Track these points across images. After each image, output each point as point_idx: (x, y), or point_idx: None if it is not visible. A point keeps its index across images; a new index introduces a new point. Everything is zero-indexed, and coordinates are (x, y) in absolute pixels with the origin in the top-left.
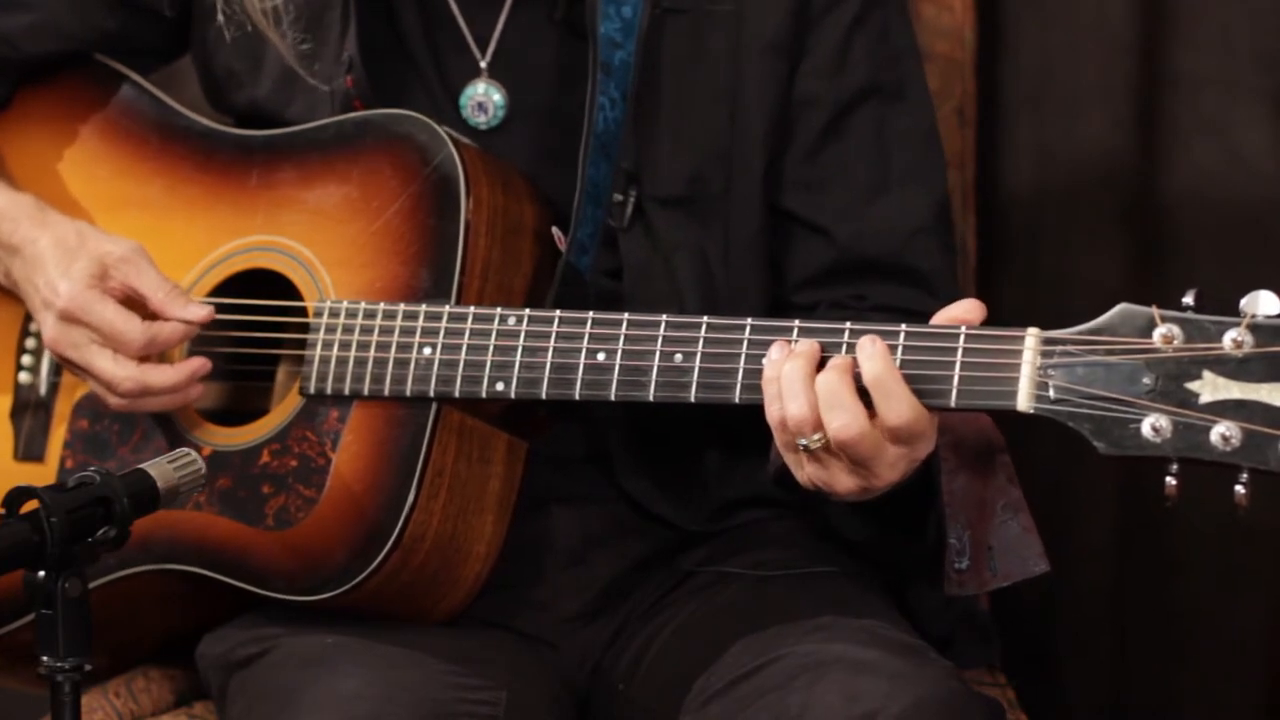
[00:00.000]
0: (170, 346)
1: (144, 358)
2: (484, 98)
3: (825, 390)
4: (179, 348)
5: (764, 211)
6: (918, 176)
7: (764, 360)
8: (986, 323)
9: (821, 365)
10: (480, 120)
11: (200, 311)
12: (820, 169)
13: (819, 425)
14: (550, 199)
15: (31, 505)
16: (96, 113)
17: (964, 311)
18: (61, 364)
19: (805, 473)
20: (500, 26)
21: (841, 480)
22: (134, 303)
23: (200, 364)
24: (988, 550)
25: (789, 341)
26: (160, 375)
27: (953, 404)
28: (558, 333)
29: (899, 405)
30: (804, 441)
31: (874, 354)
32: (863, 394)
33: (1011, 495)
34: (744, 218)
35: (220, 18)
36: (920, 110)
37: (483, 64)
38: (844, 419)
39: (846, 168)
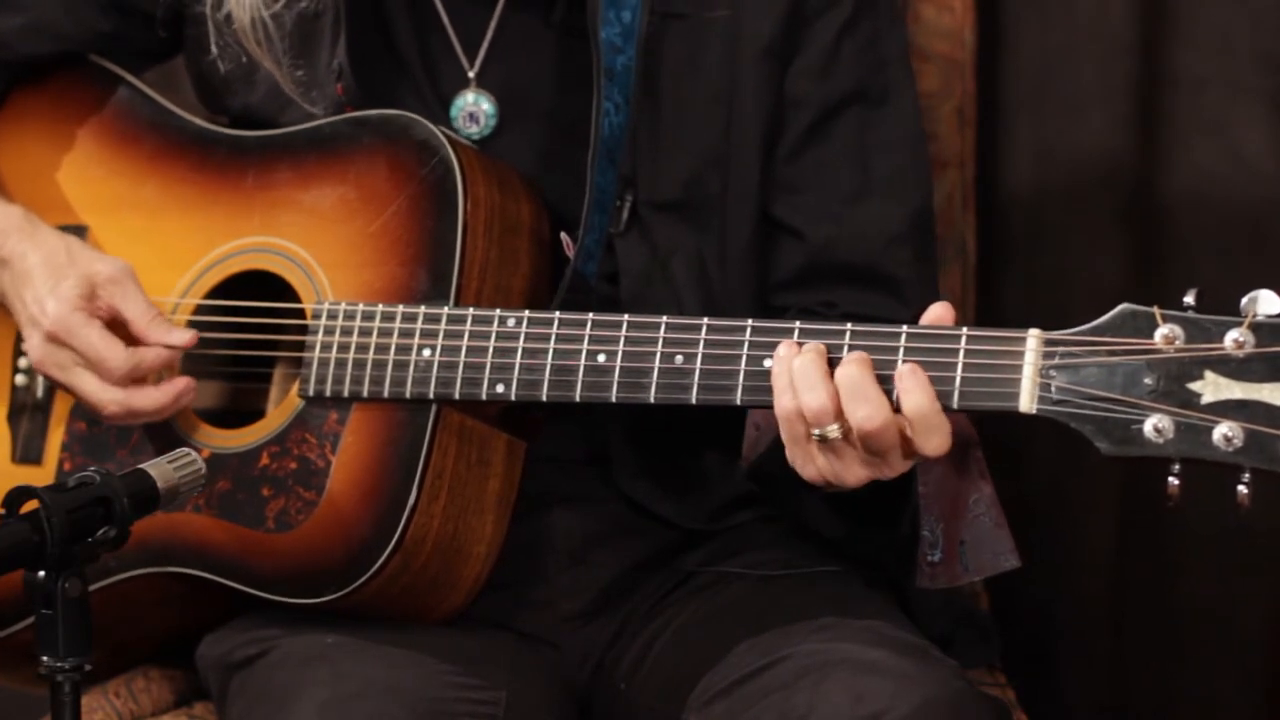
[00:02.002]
0: (153, 371)
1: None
2: (474, 108)
3: (847, 382)
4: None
5: (759, 216)
6: (897, 185)
7: (771, 358)
8: (986, 322)
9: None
10: (472, 130)
11: (183, 337)
12: (800, 171)
13: (838, 414)
14: (549, 203)
15: (31, 505)
16: (91, 113)
17: (935, 318)
18: (49, 381)
19: (816, 465)
20: (490, 35)
21: (854, 471)
22: (118, 324)
23: (185, 385)
24: (960, 544)
25: (799, 343)
26: (145, 398)
27: (955, 405)
28: (557, 334)
29: (938, 439)
30: (820, 431)
31: (914, 385)
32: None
33: (984, 490)
34: (739, 221)
35: (214, 50)
36: (905, 119)
37: (471, 74)
38: (867, 410)
39: (826, 172)
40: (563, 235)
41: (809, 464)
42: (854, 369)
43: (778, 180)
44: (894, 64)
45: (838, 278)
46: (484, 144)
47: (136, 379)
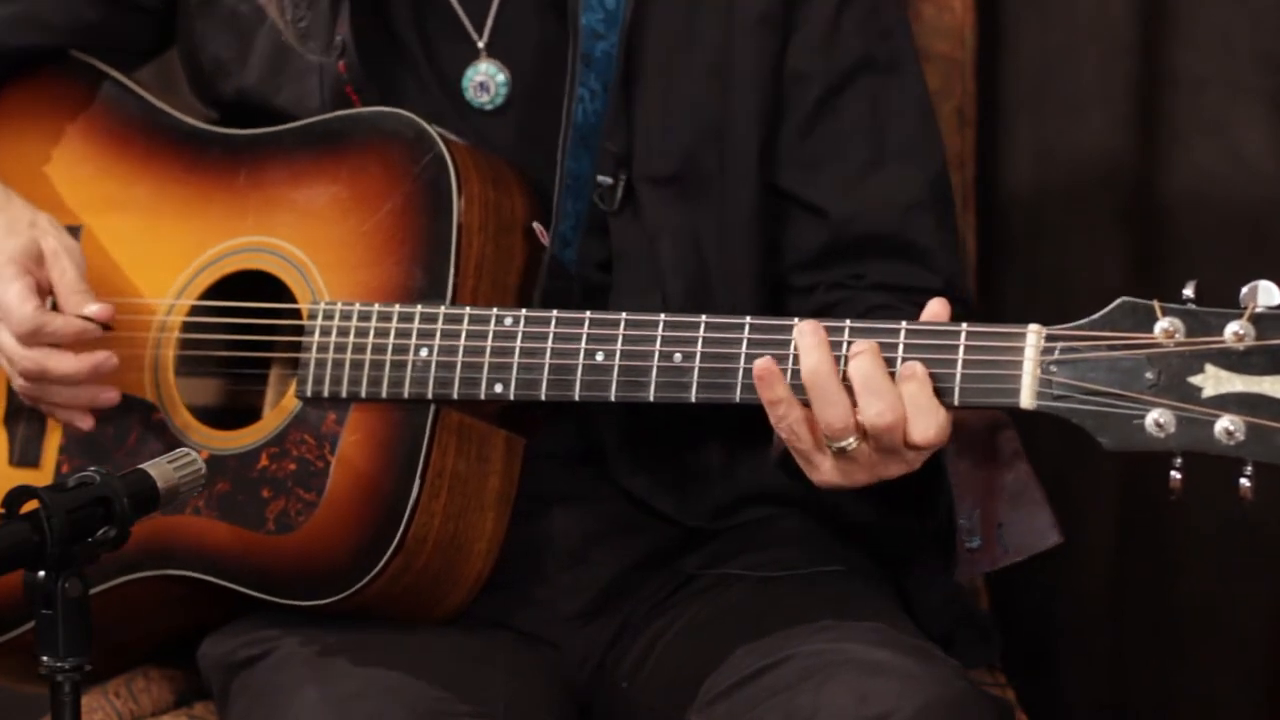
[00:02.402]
0: (63, 339)
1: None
2: (486, 77)
3: (862, 377)
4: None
5: (760, 190)
6: (912, 151)
7: (771, 355)
8: (986, 322)
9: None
10: (483, 100)
11: (100, 310)
12: (814, 146)
13: (855, 428)
14: (541, 187)
15: (31, 505)
16: (81, 113)
17: (931, 315)
18: None
19: (822, 473)
20: (495, 6)
21: (858, 476)
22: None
23: (104, 358)
24: (998, 527)
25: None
26: (61, 362)
27: (956, 402)
28: (555, 333)
29: (928, 420)
30: (839, 445)
31: (911, 375)
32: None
33: (1019, 469)
34: (739, 196)
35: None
36: (913, 85)
37: (480, 44)
38: (881, 406)
39: (840, 145)
40: (535, 225)
41: (815, 473)
42: (867, 364)
43: (791, 158)
44: (896, 33)
45: (862, 250)
46: (493, 115)
47: (46, 342)
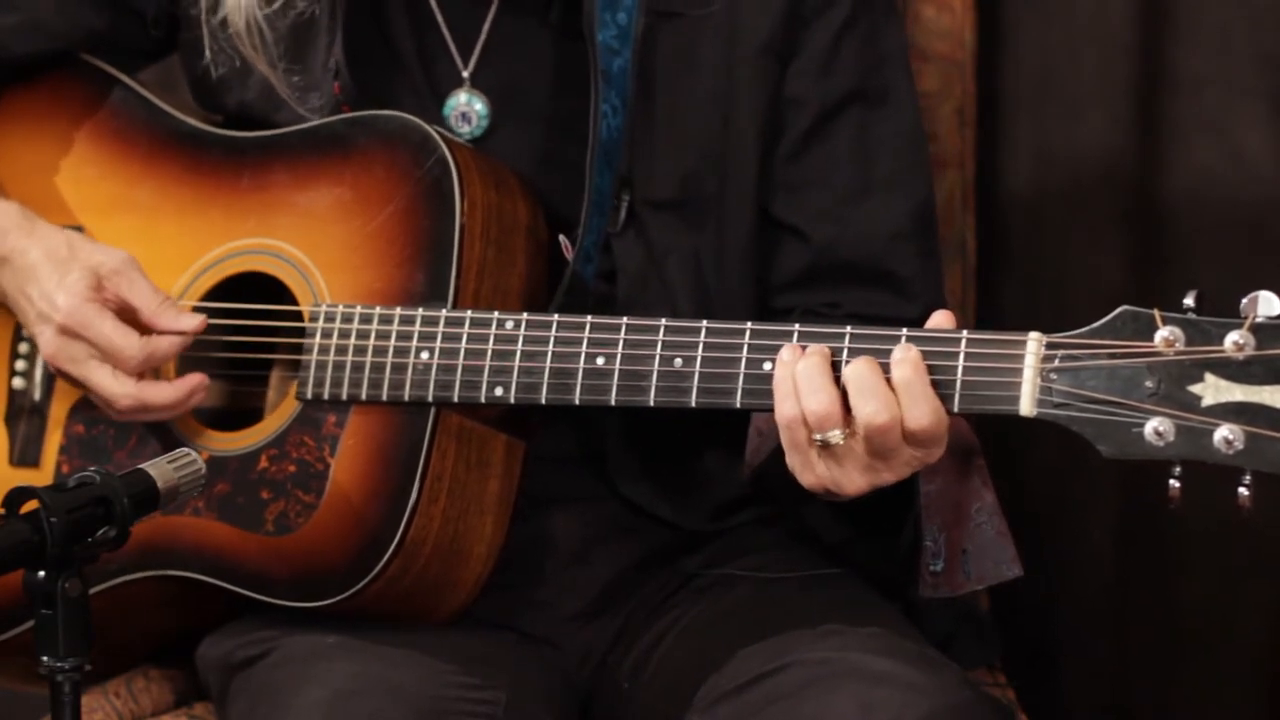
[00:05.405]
0: (167, 360)
1: (142, 372)
2: (467, 108)
3: (856, 379)
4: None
5: (757, 214)
6: (899, 182)
7: (772, 361)
8: (986, 322)
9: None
10: (464, 130)
11: (193, 321)
12: (802, 171)
13: (841, 420)
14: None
15: (31, 505)
16: (85, 114)
17: (935, 326)
18: (59, 377)
19: (816, 473)
20: (484, 34)
21: (853, 479)
22: (126, 314)
23: (198, 380)
24: (962, 553)
25: (801, 346)
26: (158, 393)
27: (955, 408)
28: (556, 337)
29: (923, 409)
30: (823, 437)
31: (905, 359)
32: None
33: (986, 499)
34: (737, 221)
35: (208, 54)
36: (905, 116)
37: (465, 73)
38: (875, 405)
39: (828, 171)
40: (561, 238)
41: (808, 471)
42: (862, 366)
43: (780, 180)
44: (892, 61)
45: (841, 277)
46: (476, 144)
47: (149, 371)
